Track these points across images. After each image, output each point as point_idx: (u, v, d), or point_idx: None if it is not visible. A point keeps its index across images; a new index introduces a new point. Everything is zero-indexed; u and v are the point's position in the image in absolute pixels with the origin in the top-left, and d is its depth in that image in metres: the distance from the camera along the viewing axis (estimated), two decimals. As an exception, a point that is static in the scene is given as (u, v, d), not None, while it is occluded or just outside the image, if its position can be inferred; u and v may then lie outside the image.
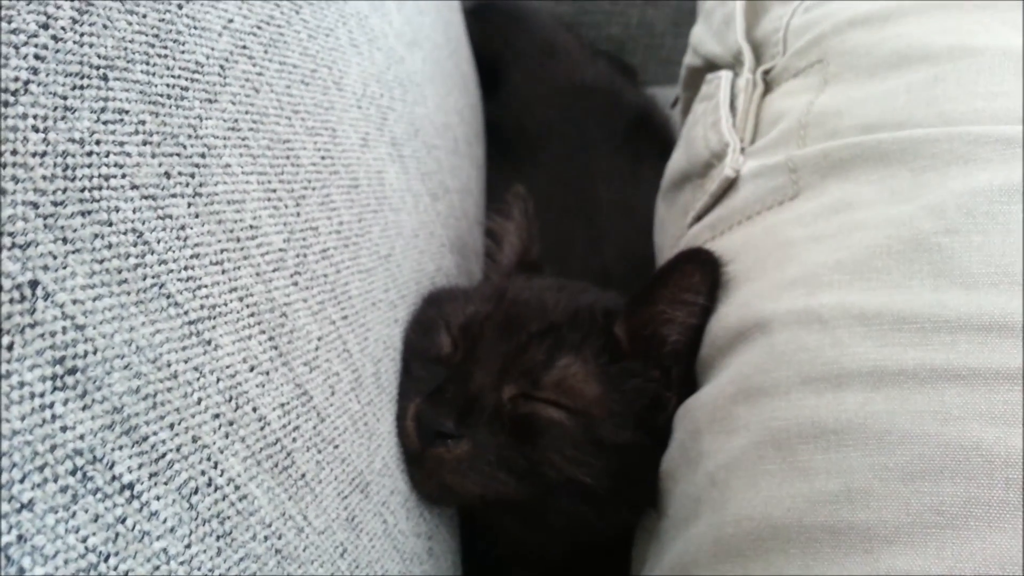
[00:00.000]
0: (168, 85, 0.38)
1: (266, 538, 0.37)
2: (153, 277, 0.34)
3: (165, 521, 0.31)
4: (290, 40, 0.49)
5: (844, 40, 0.59)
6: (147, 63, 0.37)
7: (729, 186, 0.59)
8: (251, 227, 0.41)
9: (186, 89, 0.39)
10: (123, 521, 0.29)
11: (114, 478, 0.29)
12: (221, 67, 0.42)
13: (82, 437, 0.29)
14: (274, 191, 0.44)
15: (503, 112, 1.04)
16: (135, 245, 0.33)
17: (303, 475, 0.41)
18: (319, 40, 0.53)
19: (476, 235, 0.82)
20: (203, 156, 0.39)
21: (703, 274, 0.54)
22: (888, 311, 0.43)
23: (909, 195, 0.47)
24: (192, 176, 0.37)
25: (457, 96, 0.86)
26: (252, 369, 0.38)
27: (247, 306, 0.39)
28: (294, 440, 0.40)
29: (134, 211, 0.34)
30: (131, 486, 0.30)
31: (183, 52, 0.39)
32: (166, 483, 0.32)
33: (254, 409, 0.38)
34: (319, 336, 0.45)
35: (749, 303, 0.50)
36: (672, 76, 1.24)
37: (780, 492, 0.41)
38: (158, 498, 0.31)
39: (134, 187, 0.34)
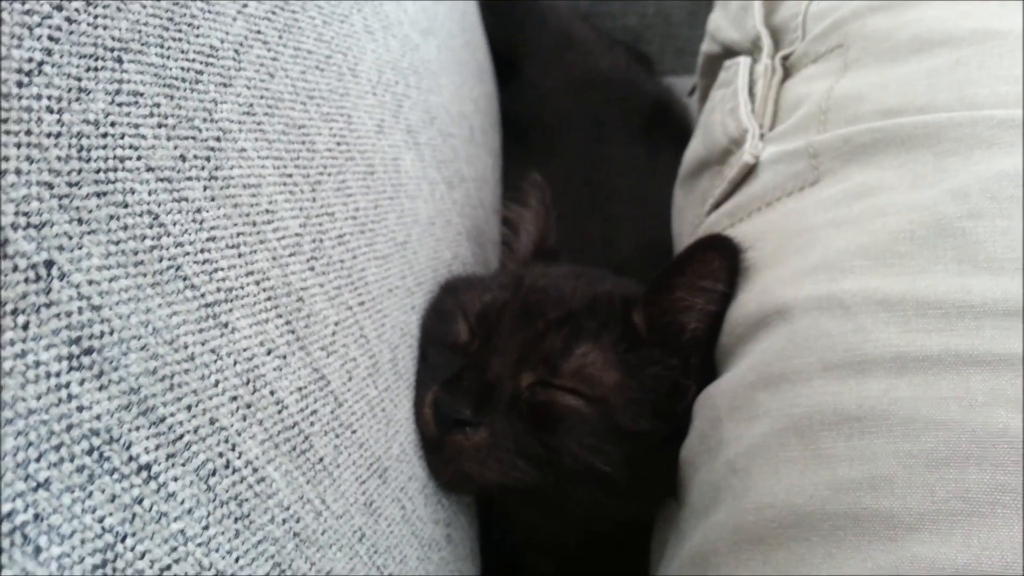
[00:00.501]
0: (183, 68, 0.38)
1: (284, 521, 0.37)
2: (169, 259, 0.33)
3: (183, 502, 0.31)
4: (305, 26, 0.49)
5: (864, 25, 0.58)
6: (161, 46, 0.36)
7: (748, 172, 0.58)
8: (267, 211, 0.41)
9: (200, 73, 0.39)
10: (140, 502, 0.29)
11: (131, 459, 0.29)
12: (236, 51, 0.42)
13: (99, 417, 0.28)
14: (290, 176, 0.43)
15: (519, 102, 1.03)
16: (151, 227, 0.33)
17: (321, 459, 0.40)
18: (334, 26, 0.53)
19: (493, 224, 0.81)
20: (218, 140, 0.38)
21: (722, 261, 0.54)
22: (911, 296, 0.42)
23: (932, 179, 0.46)
24: (207, 159, 0.37)
25: (473, 85, 0.86)
26: (269, 352, 0.38)
27: (264, 290, 0.39)
28: (312, 424, 0.40)
29: (149, 193, 0.33)
30: (148, 467, 0.30)
31: (197, 36, 0.39)
32: (183, 464, 0.32)
33: (271, 392, 0.38)
34: (336, 321, 0.45)
35: (769, 290, 0.49)
36: (689, 66, 1.23)
37: (802, 480, 0.41)
38: (175, 479, 0.31)
39: (149, 169, 0.34)
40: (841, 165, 0.51)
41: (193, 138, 0.37)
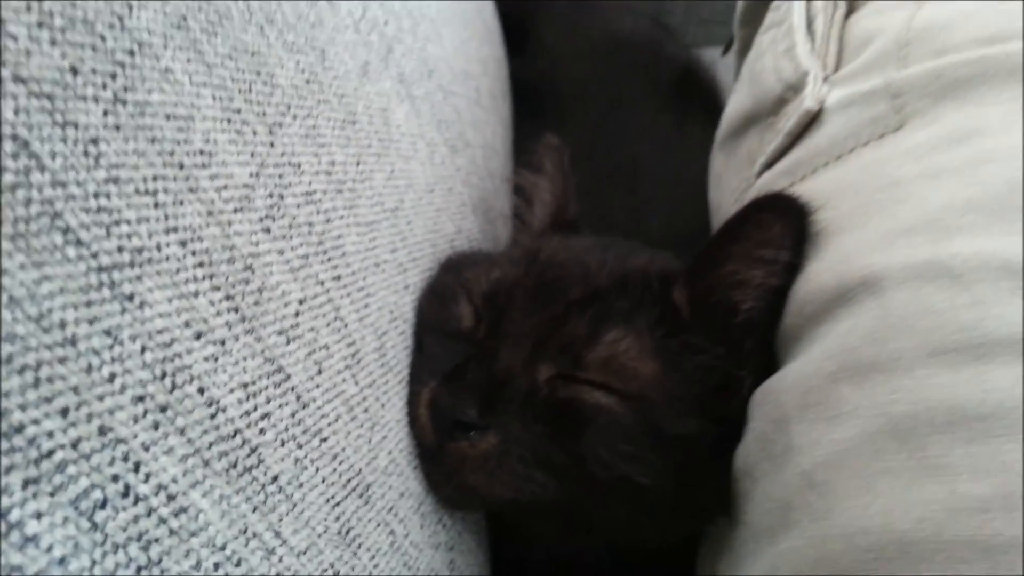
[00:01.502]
0: (85, -40, 0.28)
1: (216, 567, 0.27)
2: (42, 203, 0.24)
3: (50, 549, 0.21)
4: (266, -65, 0.39)
5: (946, -57, 0.49)
6: (54, -73, 0.27)
7: (811, 121, 0.49)
8: (202, 152, 0.31)
9: (112, -32, 0.29)
10: (-25, 553, 0.20)
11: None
12: (166, -50, 0.32)
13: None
14: (237, 111, 0.34)
15: (531, 70, 0.94)
16: (15, 158, 0.23)
17: (275, 478, 0.31)
18: (305, -57, 0.43)
19: (503, 198, 0.71)
20: (131, 54, 0.29)
21: (785, 224, 0.44)
22: None
23: (1054, 116, 0.37)
24: (112, 77, 0.28)
25: (479, 44, 0.76)
26: (199, 336, 0.28)
27: (192, 253, 0.29)
28: (262, 432, 0.30)
29: (17, 112, 0.24)
30: (-9, 500, 0.20)
31: (109, -79, 0.29)
32: (52, 494, 0.22)
33: (200, 390, 0.28)
34: (301, 299, 0.35)
35: (850, 257, 0.40)
36: (714, 37, 1.15)
37: (907, 497, 0.32)
38: (38, 516, 0.21)
39: (19, 80, 0.24)
40: (932, 104, 0.42)
41: (93, 47, 0.27)
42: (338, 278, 0.39)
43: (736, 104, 0.60)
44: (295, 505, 0.31)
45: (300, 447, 0.33)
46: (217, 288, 0.30)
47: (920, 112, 0.43)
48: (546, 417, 0.45)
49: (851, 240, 0.41)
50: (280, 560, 0.30)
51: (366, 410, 0.39)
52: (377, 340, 0.42)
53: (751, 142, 0.56)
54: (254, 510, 0.29)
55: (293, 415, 0.33)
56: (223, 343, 0.29)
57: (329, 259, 0.38)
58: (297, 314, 0.34)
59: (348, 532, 0.35)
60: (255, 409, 0.30)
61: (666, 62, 0.95)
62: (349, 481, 0.36)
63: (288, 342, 0.33)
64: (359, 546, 0.36)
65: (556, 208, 0.63)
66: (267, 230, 0.34)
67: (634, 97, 0.89)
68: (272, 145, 0.35)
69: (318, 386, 0.35)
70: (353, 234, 0.41)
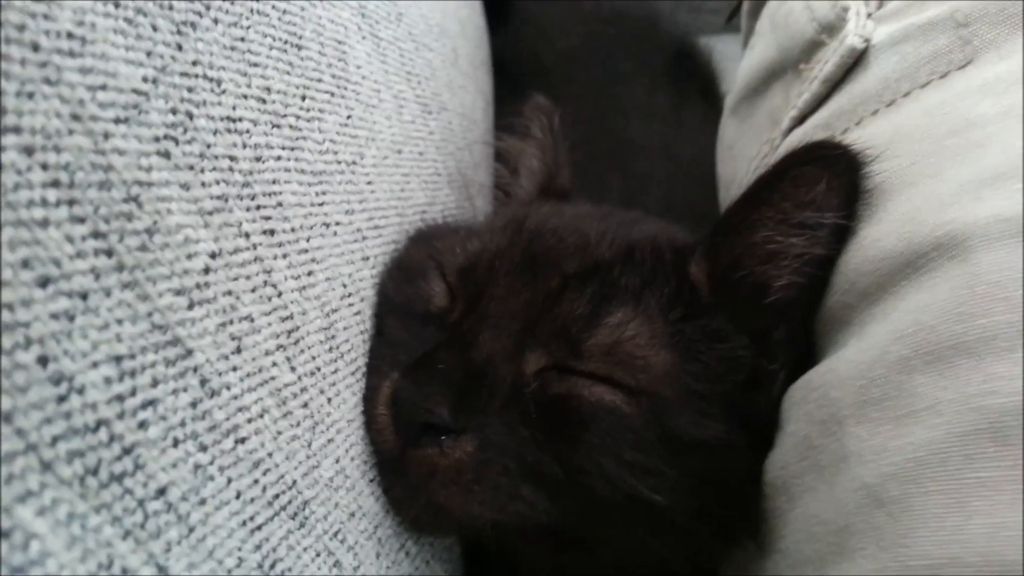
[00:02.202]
0: None
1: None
2: None
3: None
4: None
5: None
6: None
7: (854, 64, 0.41)
8: (70, 36, 0.22)
9: None
10: None
11: None
12: None
13: None
14: (132, -4, 0.25)
15: (513, 46, 0.86)
16: None
17: (161, 491, 0.22)
18: None
19: (483, 174, 0.63)
20: None
21: (833, 178, 0.36)
22: None
23: None
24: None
25: (458, 1, 0.68)
26: (44, 284, 0.20)
27: (42, 166, 0.20)
28: (142, 426, 0.22)
29: None
30: None
31: None
32: None
33: (42, 360, 0.19)
34: (213, 251, 0.26)
35: (921, 215, 0.33)
36: (705, 25, 1.08)
37: (1014, 516, 0.26)
38: None
39: None
40: (1008, 33, 0.38)
41: None
42: (271, 232, 0.30)
43: (755, 58, 0.53)
44: (192, 529, 0.23)
45: (203, 449, 0.24)
46: (80, 220, 0.21)
47: (994, 43, 0.38)
48: (535, 418, 0.38)
49: (920, 194, 0.34)
50: (164, 610, 0.21)
51: (305, 405, 0.30)
52: (324, 318, 0.34)
53: (774, 99, 0.49)
54: (125, 536, 0.20)
55: (194, 405, 0.24)
56: (85, 297, 0.21)
57: (259, 207, 0.30)
58: (207, 271, 0.26)
59: (273, 565, 0.26)
60: (133, 393, 0.21)
61: (662, 38, 0.88)
62: (277, 497, 0.27)
63: (191, 306, 0.25)
64: (290, 583, 0.27)
65: (545, 176, 0.54)
66: (165, 154, 0.25)
67: (628, 74, 0.82)
68: (180, 48, 0.27)
69: (235, 368, 0.26)
70: (294, 182, 0.33)
